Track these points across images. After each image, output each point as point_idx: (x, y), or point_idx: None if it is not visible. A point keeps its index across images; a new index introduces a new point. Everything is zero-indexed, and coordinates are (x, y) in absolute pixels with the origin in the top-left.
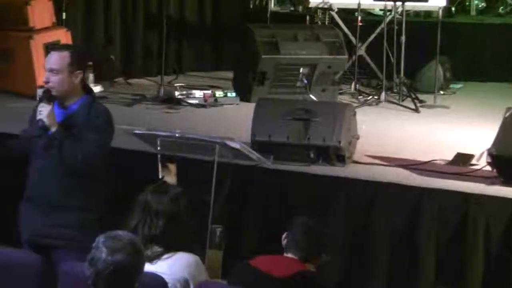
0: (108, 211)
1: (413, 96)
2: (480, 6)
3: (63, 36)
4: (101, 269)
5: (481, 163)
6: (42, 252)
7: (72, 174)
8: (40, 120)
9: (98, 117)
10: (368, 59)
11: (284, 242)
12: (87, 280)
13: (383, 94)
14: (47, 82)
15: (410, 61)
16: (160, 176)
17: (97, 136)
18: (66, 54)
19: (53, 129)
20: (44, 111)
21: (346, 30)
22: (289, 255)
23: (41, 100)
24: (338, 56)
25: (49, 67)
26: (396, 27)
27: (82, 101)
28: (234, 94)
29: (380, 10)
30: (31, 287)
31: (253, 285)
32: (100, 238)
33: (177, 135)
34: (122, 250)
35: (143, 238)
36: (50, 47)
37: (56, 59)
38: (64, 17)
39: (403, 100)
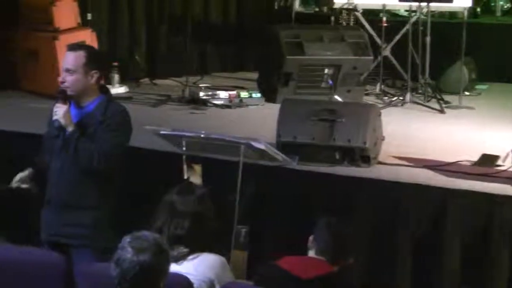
0: (130, 211)
1: (438, 97)
2: (505, 6)
3: (88, 36)
4: (127, 269)
5: (507, 164)
6: (59, 252)
7: (87, 174)
8: (56, 120)
9: (114, 116)
10: (393, 60)
11: (310, 243)
12: (102, 279)
13: (408, 95)
14: (62, 82)
15: (435, 62)
16: (185, 177)
17: (113, 136)
18: (81, 54)
19: (70, 129)
20: (59, 111)
21: (371, 31)
22: (316, 256)
23: (57, 100)
24: (363, 57)
25: (65, 67)
26: (421, 28)
27: (99, 100)
28: (259, 95)
29: (405, 10)
30: (52, 286)
31: (279, 285)
32: (126, 239)
33: (202, 135)
34: (147, 250)
35: (169, 239)
36: (68, 47)
37: (72, 59)
38: (89, 17)
39: (428, 101)
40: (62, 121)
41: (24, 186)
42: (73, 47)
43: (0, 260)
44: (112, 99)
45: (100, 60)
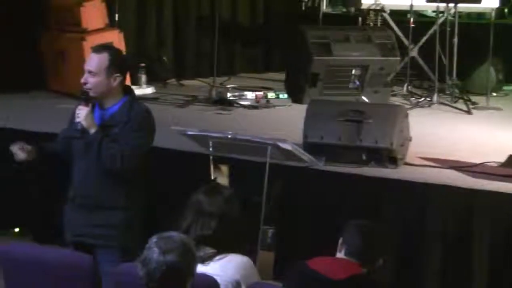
0: (157, 211)
1: (465, 98)
2: None
3: (116, 37)
4: (153, 269)
5: None
6: (84, 252)
7: (112, 175)
8: (79, 122)
9: (137, 117)
10: (420, 60)
11: (340, 245)
12: (128, 279)
13: (435, 96)
14: (85, 83)
15: (462, 63)
16: (212, 177)
17: (136, 137)
18: (105, 56)
19: (92, 130)
20: (81, 114)
21: (398, 31)
22: (345, 257)
23: (79, 102)
24: (390, 58)
25: (87, 68)
26: (448, 29)
27: (122, 102)
28: (286, 96)
29: (433, 11)
30: (78, 286)
31: (309, 286)
32: (153, 239)
33: (229, 136)
34: (174, 251)
35: (196, 239)
36: (92, 49)
37: (95, 61)
38: (116, 18)
39: (455, 102)
40: (84, 124)
41: (19, 153)
42: (97, 49)
43: (27, 259)
44: (136, 100)
45: (123, 62)
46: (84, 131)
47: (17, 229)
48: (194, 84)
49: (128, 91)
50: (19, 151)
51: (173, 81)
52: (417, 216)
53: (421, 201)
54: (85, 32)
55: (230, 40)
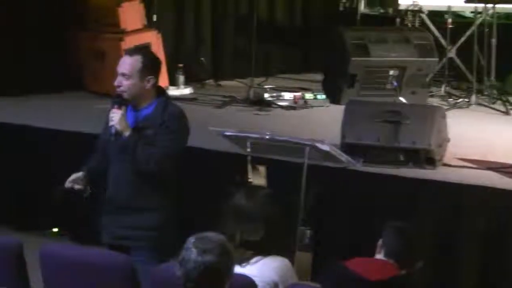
0: (194, 212)
1: (504, 99)
2: None
3: (154, 38)
4: (191, 269)
5: None
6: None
7: (146, 177)
8: (113, 126)
9: (172, 119)
10: (458, 61)
11: (379, 246)
12: (166, 280)
13: (473, 97)
14: (118, 86)
15: (500, 64)
16: (249, 178)
17: (170, 138)
18: (138, 58)
19: (126, 133)
20: (115, 117)
21: (436, 32)
22: (383, 259)
23: (112, 105)
24: (428, 59)
25: (121, 71)
26: (486, 30)
27: (156, 103)
28: (323, 96)
29: (471, 12)
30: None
31: (347, 286)
32: (191, 239)
33: (267, 137)
34: (211, 251)
35: (234, 240)
36: (125, 51)
37: (128, 63)
38: (154, 19)
39: (493, 103)
40: (118, 127)
41: (77, 187)
42: (130, 51)
43: (66, 259)
44: (170, 101)
45: (156, 65)
46: (117, 134)
47: (55, 229)
48: (232, 84)
49: (161, 92)
50: (75, 185)
51: (210, 81)
52: (454, 217)
53: (459, 202)
54: (123, 32)
55: (268, 40)
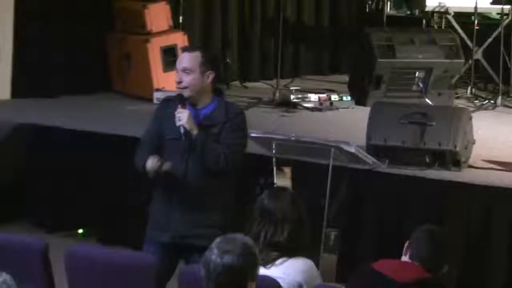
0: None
1: None
2: None
3: (180, 39)
4: (211, 270)
5: None
6: (183, 253)
7: (213, 175)
8: (181, 125)
9: (236, 117)
10: (484, 63)
11: (406, 248)
12: (193, 281)
13: (499, 99)
14: (179, 82)
15: None
16: (275, 179)
17: (236, 136)
18: (198, 54)
19: (194, 132)
20: (183, 117)
21: (462, 34)
22: (410, 261)
23: (176, 105)
24: (454, 60)
25: (182, 66)
26: None
27: (217, 101)
28: (349, 98)
29: (497, 13)
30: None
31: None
32: (217, 240)
33: (292, 138)
34: (231, 252)
35: (261, 242)
36: (182, 49)
37: (189, 58)
38: (181, 20)
39: None
40: (187, 126)
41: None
42: (188, 49)
43: (91, 260)
44: (228, 100)
45: (215, 60)
46: (187, 133)
47: (81, 230)
48: (258, 86)
49: (218, 91)
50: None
51: (237, 83)
52: (480, 219)
53: (485, 204)
54: (150, 34)
55: (295, 41)
